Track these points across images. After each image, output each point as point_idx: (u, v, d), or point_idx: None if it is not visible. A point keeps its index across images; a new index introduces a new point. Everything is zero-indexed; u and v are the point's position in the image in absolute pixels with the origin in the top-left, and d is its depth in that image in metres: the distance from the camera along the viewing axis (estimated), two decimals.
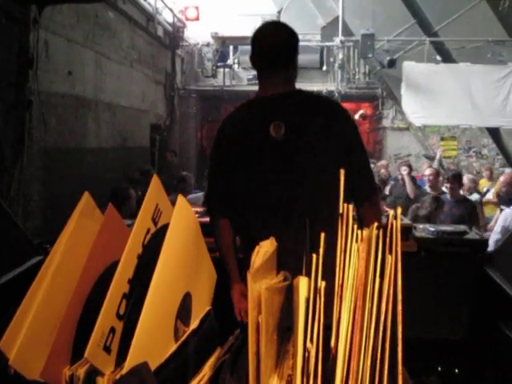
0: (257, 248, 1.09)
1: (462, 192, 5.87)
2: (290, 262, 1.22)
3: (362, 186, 1.99)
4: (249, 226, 1.99)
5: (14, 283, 1.89)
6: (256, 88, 2.10)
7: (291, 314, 1.06)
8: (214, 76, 11.51)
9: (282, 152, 1.93)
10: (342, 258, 0.99)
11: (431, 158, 10.74)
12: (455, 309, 2.79)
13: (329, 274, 1.00)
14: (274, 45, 2.00)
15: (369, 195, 2.01)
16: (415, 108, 10.45)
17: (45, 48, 5.09)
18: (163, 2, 9.40)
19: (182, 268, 1.22)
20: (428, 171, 6.51)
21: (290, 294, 1.10)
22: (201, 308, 1.36)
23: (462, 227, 3.09)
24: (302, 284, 0.97)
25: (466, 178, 6.70)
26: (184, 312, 1.25)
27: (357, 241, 1.00)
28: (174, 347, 1.19)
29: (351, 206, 1.09)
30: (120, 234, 1.17)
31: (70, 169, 5.79)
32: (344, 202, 1.77)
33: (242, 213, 2.01)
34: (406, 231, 2.90)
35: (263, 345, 0.94)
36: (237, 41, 10.88)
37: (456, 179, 5.47)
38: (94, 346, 0.98)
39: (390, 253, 0.95)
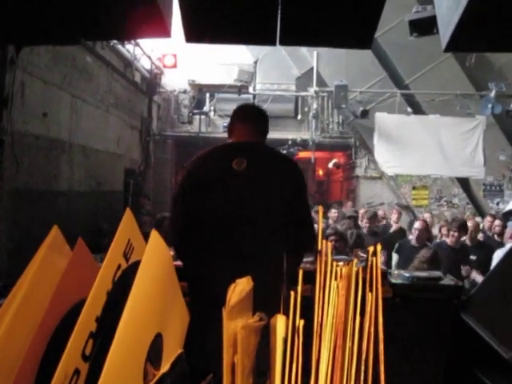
0: (233, 285, 1.05)
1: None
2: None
3: (303, 235, 2.26)
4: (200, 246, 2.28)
5: None
6: None
7: (266, 357, 1.01)
8: (190, 123, 11.57)
9: (242, 178, 2.22)
10: (321, 296, 0.96)
11: (404, 207, 10.89)
12: (431, 355, 2.75)
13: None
14: (250, 112, 2.58)
15: (306, 245, 2.25)
16: (387, 157, 10.70)
17: (21, 89, 5.06)
18: (141, 49, 9.51)
19: (153, 307, 1.17)
20: (418, 224, 5.83)
21: (265, 336, 1.05)
22: (172, 350, 1.30)
23: (437, 273, 3.09)
24: (280, 323, 0.93)
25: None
26: (154, 354, 1.18)
27: (336, 278, 0.98)
28: None
29: (330, 243, 1.07)
30: (89, 270, 1.12)
31: (40, 211, 5.65)
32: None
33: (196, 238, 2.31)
34: (381, 277, 2.88)
35: None
36: (213, 89, 11.05)
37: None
38: None
39: (371, 290, 0.93)
